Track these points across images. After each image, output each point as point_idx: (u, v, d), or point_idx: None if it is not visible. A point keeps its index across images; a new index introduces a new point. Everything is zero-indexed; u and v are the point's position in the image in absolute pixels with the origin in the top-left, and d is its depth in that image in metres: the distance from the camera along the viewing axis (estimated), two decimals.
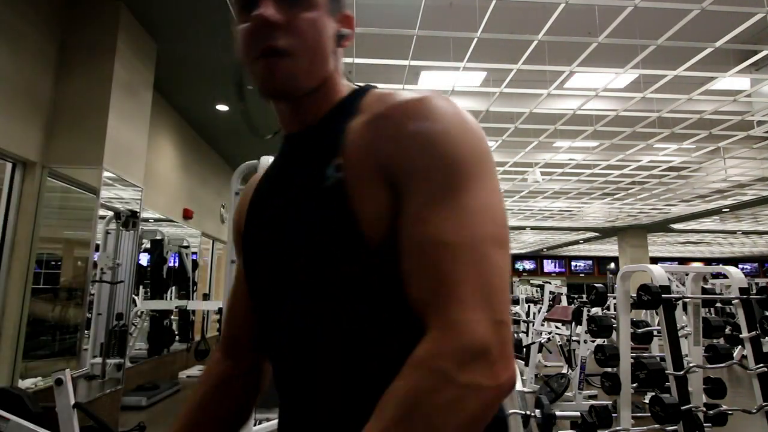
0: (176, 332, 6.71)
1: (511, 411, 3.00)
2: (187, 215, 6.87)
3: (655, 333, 3.55)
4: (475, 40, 4.58)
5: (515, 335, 6.53)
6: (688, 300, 3.26)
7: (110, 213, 4.40)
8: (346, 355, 0.57)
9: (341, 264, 0.56)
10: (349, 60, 4.99)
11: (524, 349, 5.69)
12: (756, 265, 25.15)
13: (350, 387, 0.57)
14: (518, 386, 3.37)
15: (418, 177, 0.53)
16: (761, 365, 2.89)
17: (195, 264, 7.25)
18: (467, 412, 0.45)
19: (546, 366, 6.87)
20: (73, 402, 2.16)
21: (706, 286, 7.03)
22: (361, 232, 0.54)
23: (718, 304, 7.47)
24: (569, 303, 8.70)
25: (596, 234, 17.43)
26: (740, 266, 21.62)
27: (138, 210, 4.43)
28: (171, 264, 6.45)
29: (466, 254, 0.49)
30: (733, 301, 3.17)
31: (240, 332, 0.79)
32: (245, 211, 0.73)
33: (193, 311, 7.11)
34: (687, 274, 3.58)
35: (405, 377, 0.47)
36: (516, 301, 7.56)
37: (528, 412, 3.02)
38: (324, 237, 0.57)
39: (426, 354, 0.47)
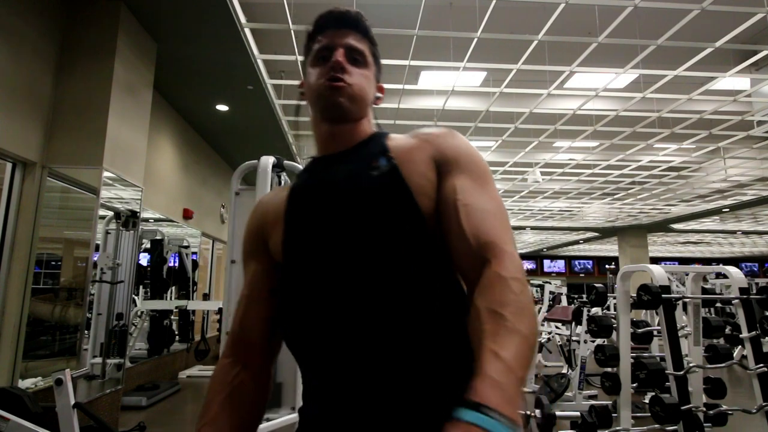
0: (176, 332, 6.70)
1: None
2: (187, 215, 6.87)
3: (655, 333, 3.55)
4: (475, 40, 4.58)
5: None
6: (688, 300, 3.26)
7: (110, 213, 4.41)
8: (408, 305, 0.71)
9: (406, 226, 0.74)
10: None
11: None
12: (755, 264, 25.17)
13: (417, 334, 0.71)
14: None
15: (462, 167, 0.79)
16: (761, 365, 2.89)
17: (195, 264, 7.25)
18: (530, 297, 0.68)
19: (546, 366, 6.87)
20: (73, 402, 2.16)
21: (706, 286, 7.03)
22: (416, 202, 0.75)
23: (718, 304, 7.48)
24: (569, 303, 8.70)
25: (596, 234, 17.43)
26: (741, 266, 21.62)
27: (138, 210, 4.43)
28: (171, 264, 6.45)
29: (498, 217, 0.75)
30: (733, 301, 3.17)
31: (254, 335, 0.87)
32: (280, 221, 0.85)
33: (193, 311, 7.11)
34: (687, 274, 3.59)
35: (501, 283, 0.66)
36: None
37: (528, 412, 3.02)
38: (390, 207, 0.75)
39: (507, 270, 0.68)
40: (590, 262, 25.61)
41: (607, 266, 23.73)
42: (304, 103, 0.90)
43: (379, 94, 0.92)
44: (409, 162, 0.78)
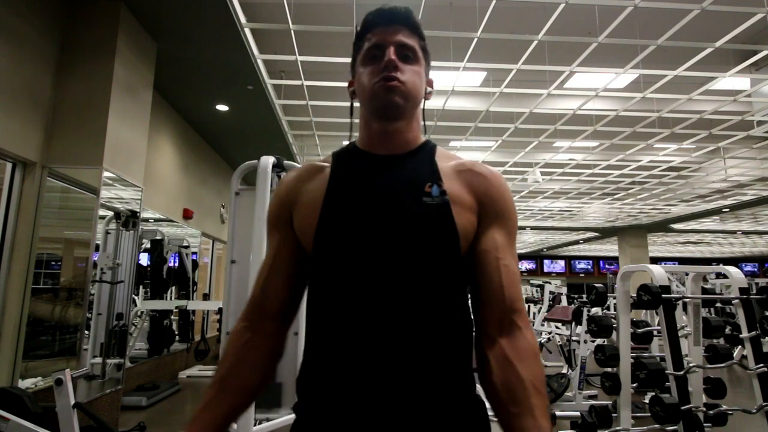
0: (176, 332, 6.70)
1: None
2: (187, 215, 6.87)
3: (655, 333, 3.55)
4: (475, 40, 4.57)
5: None
6: (688, 300, 3.26)
7: (110, 213, 4.40)
8: (438, 315, 0.81)
9: (448, 254, 0.83)
10: (349, 60, 4.97)
11: None
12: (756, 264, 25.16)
13: (437, 341, 0.80)
14: None
15: (502, 222, 0.89)
16: (761, 365, 2.89)
17: (195, 264, 7.24)
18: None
19: (546, 366, 6.87)
20: (73, 402, 2.16)
21: (706, 286, 7.03)
22: (460, 245, 0.83)
23: (718, 304, 7.48)
24: (569, 303, 8.70)
25: (596, 234, 17.43)
26: (740, 266, 21.61)
27: (138, 210, 4.43)
28: (171, 264, 6.45)
29: (519, 280, 0.89)
30: (733, 301, 3.17)
31: (273, 303, 0.92)
32: (315, 205, 0.87)
33: (193, 311, 7.11)
34: (687, 274, 3.58)
35: (529, 365, 0.81)
36: None
37: None
38: (440, 237, 0.82)
39: (533, 341, 0.84)
40: (589, 262, 25.61)
41: (606, 267, 23.73)
42: (356, 104, 0.92)
43: (429, 89, 0.94)
44: (459, 204, 0.85)
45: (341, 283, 0.82)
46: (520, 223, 15.58)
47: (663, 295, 2.88)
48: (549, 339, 7.70)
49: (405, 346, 0.78)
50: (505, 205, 0.89)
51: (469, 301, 0.89)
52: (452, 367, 0.81)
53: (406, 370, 0.77)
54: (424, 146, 0.92)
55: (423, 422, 0.77)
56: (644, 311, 4.84)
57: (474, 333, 0.88)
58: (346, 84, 0.99)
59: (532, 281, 13.78)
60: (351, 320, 0.80)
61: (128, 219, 4.41)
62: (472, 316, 0.88)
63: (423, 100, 0.93)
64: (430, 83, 0.95)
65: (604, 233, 16.98)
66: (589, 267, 25.62)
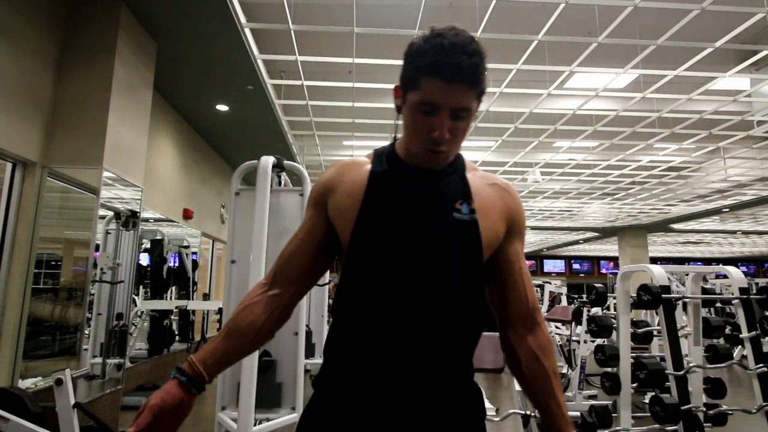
0: (176, 332, 6.70)
1: (510, 411, 3.00)
2: (187, 215, 6.87)
3: (655, 333, 3.55)
4: None
5: None
6: (688, 300, 3.26)
7: (110, 213, 4.40)
8: (458, 318, 0.93)
9: (471, 266, 0.94)
10: (349, 60, 4.99)
11: None
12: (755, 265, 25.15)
13: (456, 338, 0.93)
14: (518, 386, 3.37)
15: (521, 234, 1.02)
16: (761, 365, 2.89)
17: (195, 264, 7.24)
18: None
19: None
20: (73, 402, 2.16)
21: (706, 286, 7.03)
22: (482, 256, 0.94)
23: (718, 304, 7.48)
24: (569, 303, 8.70)
25: (596, 234, 17.42)
26: (740, 266, 21.59)
27: (138, 210, 4.42)
28: (171, 264, 6.45)
29: (532, 282, 1.06)
30: (733, 301, 3.17)
31: (294, 271, 1.01)
32: (355, 200, 0.94)
33: (193, 311, 7.11)
34: (687, 274, 3.58)
35: (549, 356, 1.00)
36: None
37: (528, 412, 3.02)
38: (465, 251, 0.93)
39: (549, 337, 1.03)
40: (590, 262, 25.60)
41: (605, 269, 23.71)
42: (399, 122, 0.96)
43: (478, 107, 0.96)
44: (486, 218, 0.95)
45: (371, 279, 0.91)
46: None
47: (663, 295, 2.88)
48: None
49: (421, 338, 0.89)
50: (524, 219, 1.03)
51: (487, 298, 1.03)
52: (461, 369, 0.95)
53: (421, 370, 0.89)
54: (456, 161, 0.99)
55: (432, 416, 0.89)
56: (644, 311, 4.85)
57: (500, 330, 1.04)
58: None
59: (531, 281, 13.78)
60: (376, 312, 0.90)
61: (128, 219, 4.41)
62: (497, 314, 1.04)
63: None
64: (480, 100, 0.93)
65: (604, 233, 16.98)
66: (588, 267, 25.60)
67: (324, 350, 0.98)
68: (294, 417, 2.50)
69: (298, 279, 1.01)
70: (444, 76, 0.83)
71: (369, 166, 0.98)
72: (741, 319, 3.05)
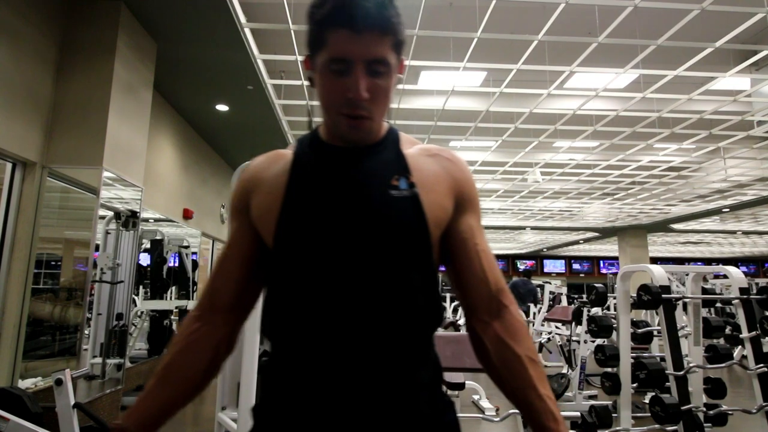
0: (176, 332, 6.69)
1: (510, 411, 3.00)
2: (187, 215, 6.87)
3: (655, 333, 3.55)
4: (475, 40, 4.57)
5: None
6: (688, 300, 3.26)
7: (110, 213, 4.40)
8: (404, 304, 0.78)
9: (417, 248, 0.80)
10: None
11: None
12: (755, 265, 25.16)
13: (400, 334, 0.78)
14: None
15: (473, 206, 0.88)
16: (761, 365, 2.89)
17: (195, 264, 7.24)
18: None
19: (546, 366, 6.86)
20: (73, 402, 2.16)
21: (706, 286, 7.03)
22: (430, 234, 0.80)
23: (718, 304, 7.48)
24: (569, 303, 8.71)
25: (596, 234, 17.42)
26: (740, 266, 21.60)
27: (138, 210, 4.42)
28: (171, 264, 6.45)
29: (495, 260, 0.88)
30: (733, 301, 3.18)
31: (226, 293, 0.87)
32: (276, 195, 0.82)
33: None
34: (687, 274, 3.58)
35: (523, 331, 0.84)
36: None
37: None
38: (408, 231, 0.79)
39: (520, 317, 0.86)
40: (588, 263, 25.62)
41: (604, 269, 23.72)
42: (315, 103, 0.82)
43: (400, 77, 0.84)
44: (430, 192, 0.81)
45: (303, 280, 0.78)
46: (520, 223, 15.62)
47: (663, 295, 2.88)
48: (549, 339, 7.69)
49: (369, 340, 0.76)
50: (475, 191, 0.88)
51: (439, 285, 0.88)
52: (416, 361, 0.80)
53: (371, 365, 0.76)
54: (388, 136, 0.86)
55: (388, 417, 0.76)
56: (644, 311, 4.84)
57: (466, 323, 0.89)
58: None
59: (532, 281, 13.76)
60: (313, 317, 0.77)
61: (128, 219, 4.41)
62: (461, 305, 0.89)
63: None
64: (401, 69, 0.82)
65: (604, 233, 16.97)
66: (588, 267, 25.61)
67: (260, 373, 0.86)
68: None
69: (231, 302, 0.87)
70: (351, 24, 0.73)
71: (290, 156, 0.85)
72: (741, 319, 3.05)
